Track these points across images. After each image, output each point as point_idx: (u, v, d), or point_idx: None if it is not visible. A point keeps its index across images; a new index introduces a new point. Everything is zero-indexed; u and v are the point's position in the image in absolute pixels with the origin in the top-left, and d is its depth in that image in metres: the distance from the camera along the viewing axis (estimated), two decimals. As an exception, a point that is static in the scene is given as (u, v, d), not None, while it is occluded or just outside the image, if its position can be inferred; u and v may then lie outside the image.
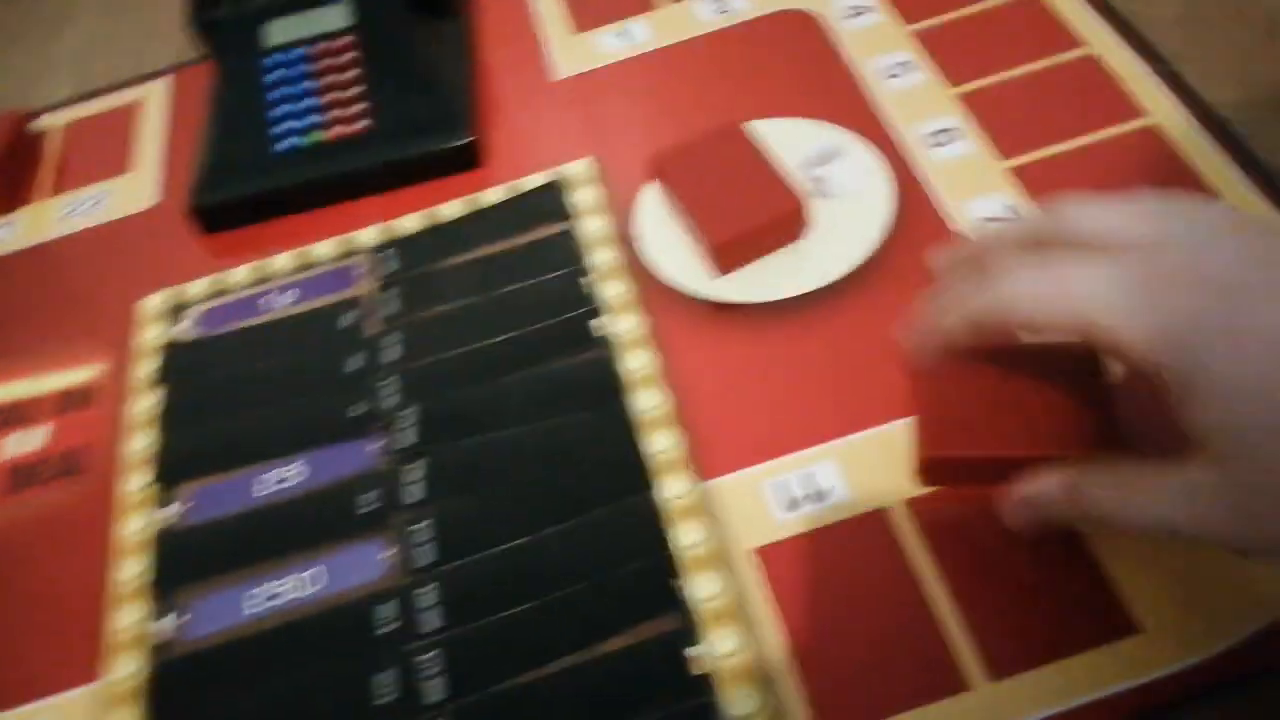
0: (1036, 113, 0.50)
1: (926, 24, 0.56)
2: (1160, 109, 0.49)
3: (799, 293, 0.46)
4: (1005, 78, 0.52)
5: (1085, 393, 0.36)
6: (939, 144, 0.50)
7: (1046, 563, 0.37)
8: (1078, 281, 0.31)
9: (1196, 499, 0.30)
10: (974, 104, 0.51)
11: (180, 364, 0.50)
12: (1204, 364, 0.28)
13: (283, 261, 0.54)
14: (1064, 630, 0.35)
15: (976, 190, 0.48)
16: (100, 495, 0.46)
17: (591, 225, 0.51)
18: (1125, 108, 0.49)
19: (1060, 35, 0.53)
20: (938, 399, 0.38)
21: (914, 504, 0.39)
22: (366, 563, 0.41)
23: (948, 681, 0.35)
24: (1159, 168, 0.47)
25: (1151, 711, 0.34)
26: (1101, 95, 0.50)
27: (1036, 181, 0.47)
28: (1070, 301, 0.31)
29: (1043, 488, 0.35)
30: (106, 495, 0.46)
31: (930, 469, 0.38)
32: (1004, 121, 0.50)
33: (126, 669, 0.40)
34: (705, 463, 0.42)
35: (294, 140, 0.56)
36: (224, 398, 0.48)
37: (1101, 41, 0.52)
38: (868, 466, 0.40)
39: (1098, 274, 0.31)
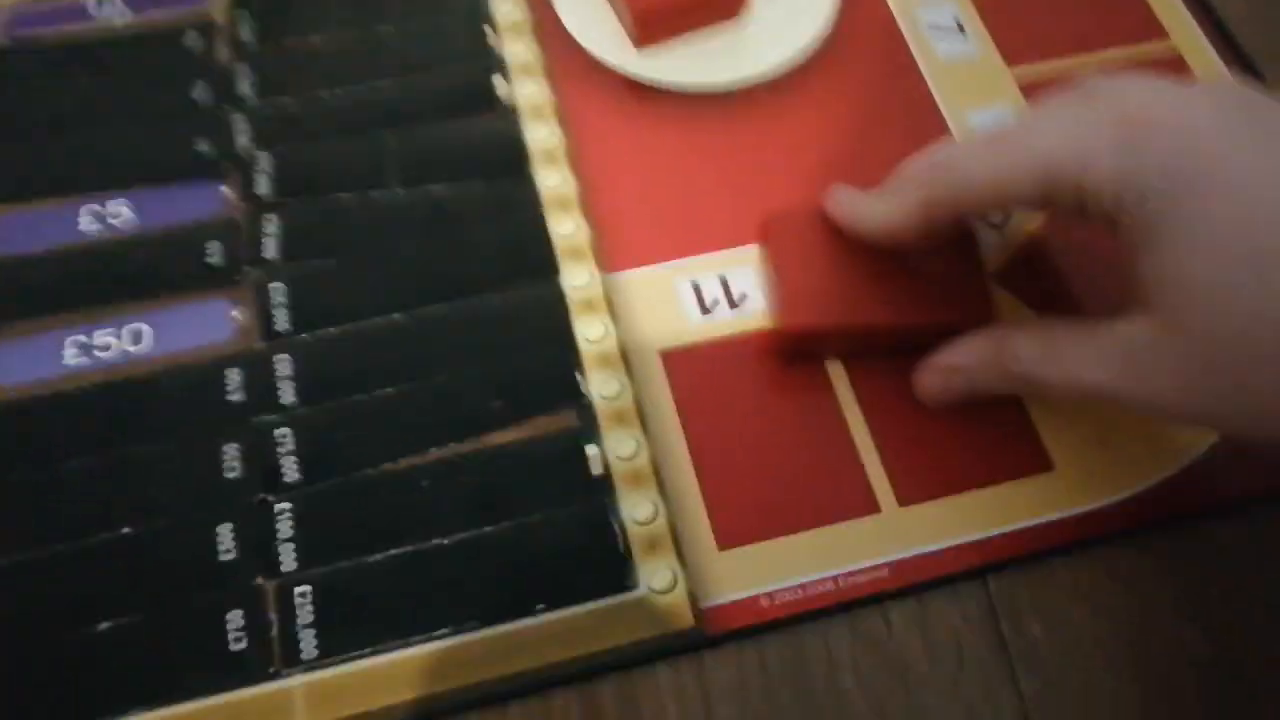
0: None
1: None
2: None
3: (730, 80, 0.41)
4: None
5: (958, 265, 0.34)
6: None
7: (966, 393, 0.35)
8: (1039, 131, 0.29)
9: (1135, 359, 0.28)
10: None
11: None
12: (1168, 212, 0.26)
13: (112, -36, 0.44)
14: (977, 463, 0.34)
15: (927, -3, 0.44)
16: None
17: (494, -28, 0.44)
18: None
19: None
20: (799, 266, 0.34)
21: (834, 319, 0.36)
22: (213, 321, 0.35)
23: (856, 503, 0.33)
24: (1129, 13, 0.44)
25: (1059, 548, 0.33)
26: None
27: (992, 2, 0.44)
28: (1031, 150, 0.29)
29: (969, 350, 0.33)
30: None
31: (789, 341, 0.35)
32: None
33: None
34: (614, 254, 0.38)
35: None
36: (36, 116, 0.40)
37: None
38: (787, 275, 0.37)
39: (1064, 116, 0.29)
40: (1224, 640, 0.32)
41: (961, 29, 0.43)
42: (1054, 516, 0.33)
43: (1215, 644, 0.32)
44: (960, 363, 0.33)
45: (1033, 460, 0.34)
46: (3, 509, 0.32)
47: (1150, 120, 0.27)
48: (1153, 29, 0.43)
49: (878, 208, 0.33)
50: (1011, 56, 0.42)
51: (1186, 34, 0.43)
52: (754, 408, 0.35)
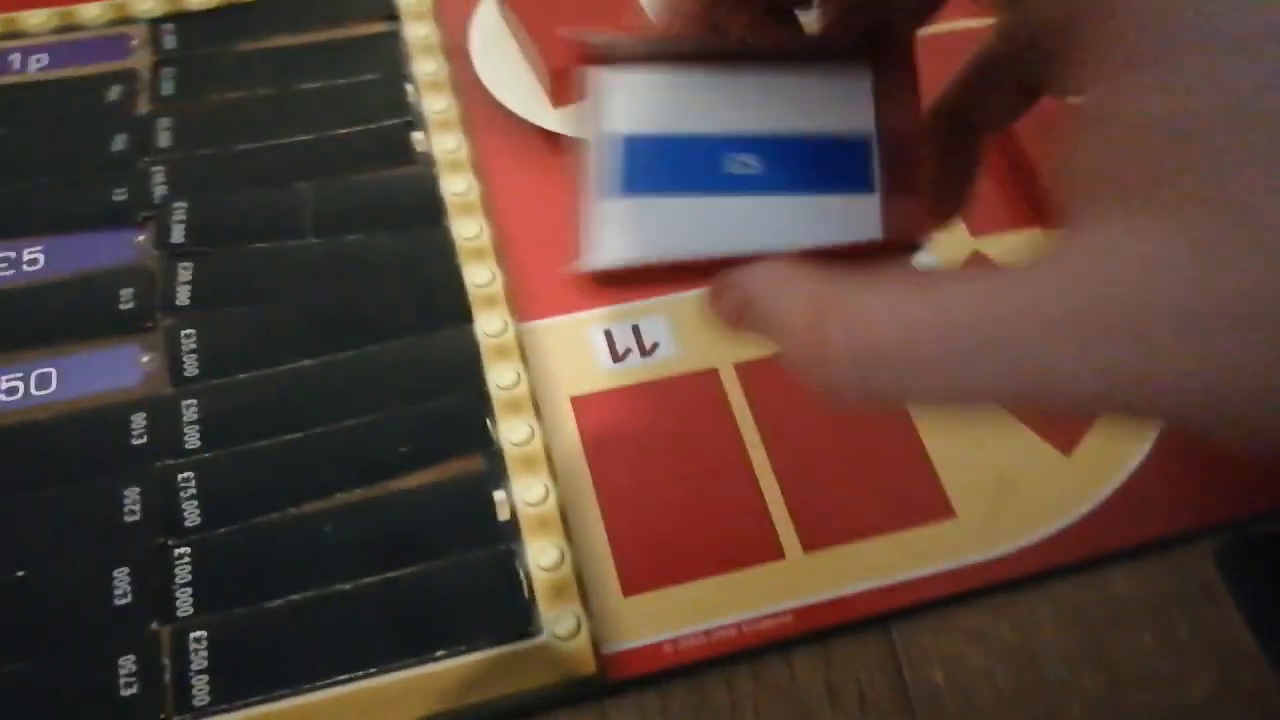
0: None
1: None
2: None
3: (644, 136, 0.42)
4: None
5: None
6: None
7: (870, 440, 0.36)
8: None
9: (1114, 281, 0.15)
10: None
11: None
12: None
13: (38, 19, 0.45)
14: (881, 509, 0.35)
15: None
16: None
17: (418, 30, 0.45)
18: None
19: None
20: None
21: (743, 368, 0.37)
22: (121, 367, 0.35)
23: (761, 549, 0.34)
24: None
25: (960, 595, 0.33)
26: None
27: None
28: None
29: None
30: None
31: None
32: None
33: None
34: (529, 303, 0.38)
35: None
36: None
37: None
38: (699, 326, 0.38)
39: None
40: (1116, 681, 0.32)
41: None
42: (955, 564, 0.34)
43: (1108, 685, 0.32)
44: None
45: (935, 507, 0.35)
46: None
47: None
48: None
49: None
50: None
51: None
52: (662, 454, 0.35)
